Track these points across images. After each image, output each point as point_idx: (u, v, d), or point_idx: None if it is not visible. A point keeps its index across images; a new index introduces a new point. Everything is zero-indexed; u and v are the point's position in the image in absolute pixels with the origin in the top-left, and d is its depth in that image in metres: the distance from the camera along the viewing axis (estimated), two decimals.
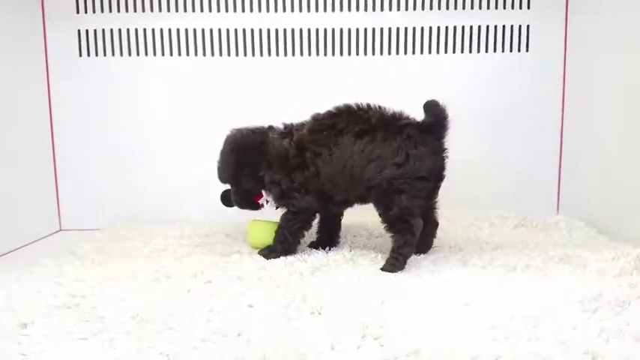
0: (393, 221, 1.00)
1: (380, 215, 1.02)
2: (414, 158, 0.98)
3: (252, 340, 0.67)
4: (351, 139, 1.01)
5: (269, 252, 1.08)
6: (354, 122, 1.03)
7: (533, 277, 0.92)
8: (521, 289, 0.86)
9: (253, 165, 1.09)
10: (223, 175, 1.14)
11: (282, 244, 1.08)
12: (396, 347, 0.65)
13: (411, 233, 0.98)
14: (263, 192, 1.14)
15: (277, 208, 1.12)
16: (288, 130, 1.11)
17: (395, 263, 0.97)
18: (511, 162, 1.49)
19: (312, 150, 1.04)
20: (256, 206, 1.17)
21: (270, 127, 1.13)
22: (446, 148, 1.05)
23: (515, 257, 1.03)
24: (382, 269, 0.98)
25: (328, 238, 1.16)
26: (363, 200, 1.08)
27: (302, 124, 1.10)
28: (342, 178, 1.03)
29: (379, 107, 1.05)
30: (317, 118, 1.08)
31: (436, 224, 1.10)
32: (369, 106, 1.05)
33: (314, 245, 1.15)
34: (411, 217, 0.99)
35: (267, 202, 1.14)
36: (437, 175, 1.03)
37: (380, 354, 0.64)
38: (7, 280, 0.93)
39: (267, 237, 1.12)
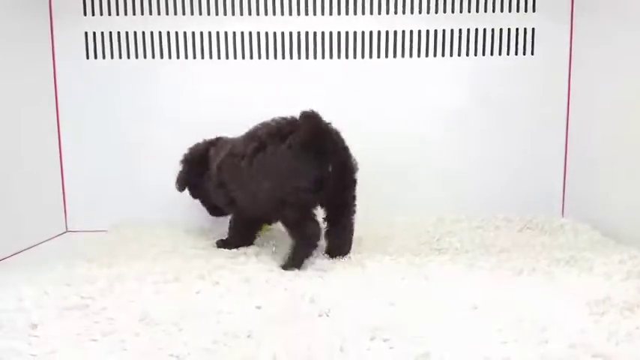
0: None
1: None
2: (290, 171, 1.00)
3: (262, 342, 0.68)
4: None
5: (223, 244, 1.20)
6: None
7: (540, 280, 0.92)
8: (528, 292, 0.86)
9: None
10: (178, 188, 1.30)
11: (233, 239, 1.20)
12: (405, 350, 0.65)
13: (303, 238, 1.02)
14: None
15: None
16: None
17: (288, 262, 1.02)
18: (516, 165, 1.49)
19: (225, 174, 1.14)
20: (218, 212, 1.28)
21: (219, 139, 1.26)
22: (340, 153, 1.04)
23: (521, 260, 1.03)
24: (282, 266, 1.02)
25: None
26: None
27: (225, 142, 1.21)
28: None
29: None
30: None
31: (345, 229, 1.08)
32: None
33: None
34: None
35: None
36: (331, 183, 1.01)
37: (390, 356, 0.64)
38: (16, 282, 0.93)
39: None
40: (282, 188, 1.00)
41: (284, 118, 1.06)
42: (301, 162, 0.99)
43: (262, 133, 1.05)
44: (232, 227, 1.21)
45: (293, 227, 1.03)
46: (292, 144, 0.99)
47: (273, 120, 1.07)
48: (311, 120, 1.00)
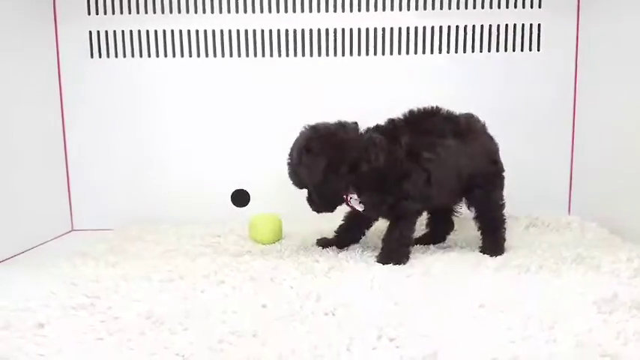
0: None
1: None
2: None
3: (267, 341, 0.67)
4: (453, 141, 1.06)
5: (390, 258, 1.03)
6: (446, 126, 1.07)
7: (548, 278, 0.92)
8: (535, 291, 0.86)
9: (350, 163, 1.01)
10: (315, 177, 1.00)
11: (406, 247, 1.06)
12: (412, 349, 0.64)
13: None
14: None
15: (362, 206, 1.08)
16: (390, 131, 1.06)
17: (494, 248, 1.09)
18: (522, 162, 1.48)
19: (425, 156, 1.03)
20: (336, 206, 1.09)
21: (356, 124, 1.06)
22: None
23: (528, 258, 1.02)
24: (485, 252, 1.09)
25: (435, 235, 1.19)
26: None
27: (393, 125, 1.07)
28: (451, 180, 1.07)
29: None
30: (411, 121, 1.08)
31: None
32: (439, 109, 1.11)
33: (416, 241, 1.16)
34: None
35: (351, 199, 1.07)
36: None
37: (396, 355, 0.63)
38: (23, 281, 0.94)
39: (276, 231, 1.19)
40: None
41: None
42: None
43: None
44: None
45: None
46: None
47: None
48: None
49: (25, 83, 1.27)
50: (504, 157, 1.50)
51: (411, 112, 1.10)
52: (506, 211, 1.42)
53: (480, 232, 1.13)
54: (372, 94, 1.45)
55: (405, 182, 1.02)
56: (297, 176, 1.04)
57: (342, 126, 1.04)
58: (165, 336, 0.70)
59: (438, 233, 1.19)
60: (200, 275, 0.95)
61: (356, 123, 1.06)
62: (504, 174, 1.15)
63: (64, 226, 1.45)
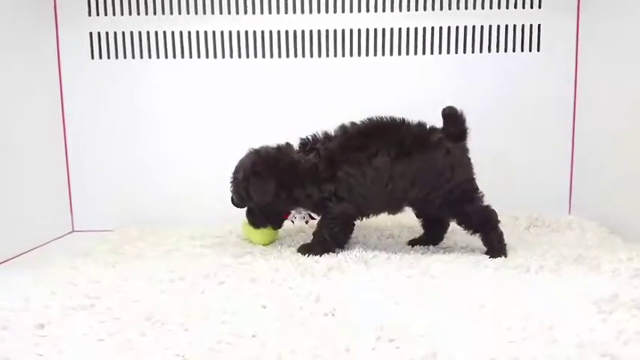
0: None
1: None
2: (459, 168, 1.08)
3: (267, 342, 0.67)
4: (387, 161, 1.06)
5: (305, 250, 1.11)
6: (388, 143, 1.07)
7: (548, 278, 0.91)
8: (535, 290, 0.86)
9: (290, 185, 1.10)
10: (263, 199, 1.10)
11: (320, 244, 1.10)
12: (411, 349, 0.64)
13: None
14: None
15: (307, 221, 1.16)
16: (312, 145, 1.13)
17: (498, 250, 1.07)
18: (522, 162, 1.49)
19: (344, 169, 1.07)
20: (281, 223, 1.21)
21: (288, 145, 1.15)
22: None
23: (528, 258, 1.02)
24: (490, 255, 1.06)
25: (431, 236, 1.19)
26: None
27: (327, 138, 1.12)
28: (379, 197, 1.08)
29: (404, 122, 1.10)
30: (346, 136, 1.10)
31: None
32: (398, 122, 1.10)
33: (414, 242, 1.19)
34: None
35: (295, 217, 1.16)
36: None
37: (396, 356, 0.64)
38: (23, 282, 0.94)
39: (265, 233, 1.18)
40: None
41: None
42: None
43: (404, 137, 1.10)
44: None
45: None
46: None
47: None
48: (457, 117, 1.15)
49: (26, 84, 1.27)
50: (505, 157, 1.50)
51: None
52: (507, 211, 1.43)
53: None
54: (372, 95, 1.45)
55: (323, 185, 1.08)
56: (240, 195, 1.13)
57: (279, 149, 1.13)
58: (165, 336, 0.70)
59: (433, 235, 1.19)
60: (200, 276, 0.95)
61: (289, 144, 1.14)
62: (474, 180, 1.11)
63: (65, 227, 1.45)
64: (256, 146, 1.15)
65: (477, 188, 1.10)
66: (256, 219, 1.17)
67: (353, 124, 1.11)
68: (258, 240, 1.20)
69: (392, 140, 1.07)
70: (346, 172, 1.06)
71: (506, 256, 1.05)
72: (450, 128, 1.10)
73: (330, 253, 1.09)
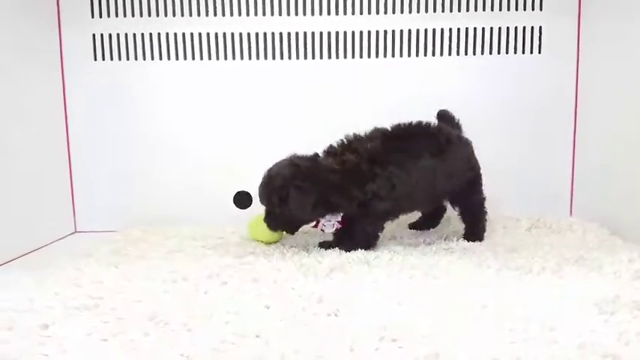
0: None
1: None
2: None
3: (270, 342, 0.68)
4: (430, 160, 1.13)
5: (348, 247, 1.12)
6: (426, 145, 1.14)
7: (549, 280, 0.92)
8: (537, 292, 0.86)
9: (329, 194, 1.10)
10: (302, 214, 1.11)
11: (367, 241, 1.14)
12: (414, 349, 0.65)
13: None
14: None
15: (336, 229, 1.17)
16: (343, 148, 1.14)
17: (479, 234, 1.22)
18: (523, 164, 1.49)
19: (389, 170, 1.10)
20: (299, 228, 1.20)
21: (317, 154, 1.15)
22: None
23: (530, 259, 1.03)
24: (466, 238, 1.21)
25: (430, 220, 1.34)
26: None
27: (359, 140, 1.14)
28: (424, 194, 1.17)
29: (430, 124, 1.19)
30: (386, 138, 1.14)
31: None
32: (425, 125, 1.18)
33: (413, 226, 1.34)
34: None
35: (325, 226, 1.16)
36: None
37: (398, 356, 0.64)
38: (27, 282, 0.94)
39: (275, 233, 1.20)
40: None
41: None
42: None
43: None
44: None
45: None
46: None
47: None
48: (452, 118, 1.29)
49: (28, 85, 1.27)
50: (506, 158, 1.51)
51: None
52: (508, 213, 1.44)
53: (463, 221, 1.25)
54: (374, 96, 1.45)
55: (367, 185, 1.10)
56: (272, 202, 1.11)
57: (315, 160, 1.13)
58: (168, 337, 0.71)
59: (432, 219, 1.34)
60: (203, 276, 0.95)
61: (317, 154, 1.15)
62: (481, 172, 1.24)
63: (68, 228, 1.45)
64: (288, 154, 1.14)
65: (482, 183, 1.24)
66: (278, 224, 1.16)
67: (385, 128, 1.16)
68: (268, 239, 1.21)
69: (430, 141, 1.15)
70: (391, 172, 1.09)
71: (482, 240, 1.20)
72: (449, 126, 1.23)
73: (331, 253, 1.10)
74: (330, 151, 1.15)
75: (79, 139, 1.45)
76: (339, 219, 1.15)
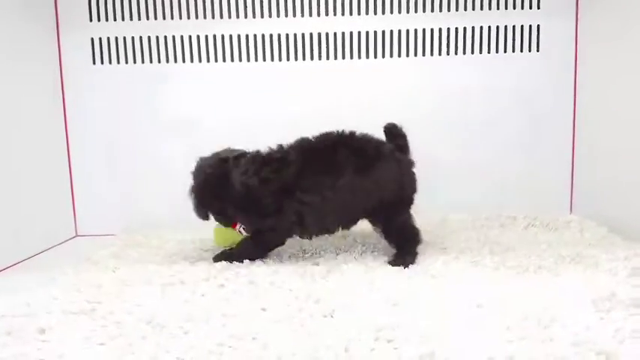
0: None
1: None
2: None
3: (267, 344, 0.68)
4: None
5: (222, 258, 1.08)
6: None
7: (546, 278, 0.92)
8: (533, 290, 0.86)
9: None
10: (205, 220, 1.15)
11: (245, 255, 1.08)
12: (410, 350, 0.65)
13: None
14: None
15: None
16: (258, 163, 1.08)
17: (406, 258, 1.04)
18: (522, 162, 1.49)
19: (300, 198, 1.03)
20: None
21: (243, 154, 1.13)
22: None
23: (526, 258, 1.03)
24: (390, 263, 1.04)
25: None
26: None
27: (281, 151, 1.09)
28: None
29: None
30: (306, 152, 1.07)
31: None
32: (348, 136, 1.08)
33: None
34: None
35: (243, 228, 1.15)
36: None
37: (394, 357, 0.64)
38: (26, 286, 0.95)
39: (235, 236, 1.16)
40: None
41: None
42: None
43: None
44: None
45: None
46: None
47: None
48: (399, 131, 1.13)
49: (28, 90, 1.28)
50: (505, 158, 1.51)
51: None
52: (506, 212, 1.43)
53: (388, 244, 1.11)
54: (370, 97, 1.45)
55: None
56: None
57: (227, 172, 1.09)
58: (166, 340, 0.71)
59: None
60: (200, 279, 0.96)
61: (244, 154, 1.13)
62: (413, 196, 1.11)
63: (68, 231, 1.46)
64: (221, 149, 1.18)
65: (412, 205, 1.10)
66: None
67: (310, 140, 1.09)
68: (232, 240, 1.17)
69: (357, 156, 1.04)
70: (301, 202, 1.03)
71: (406, 267, 1.01)
72: (393, 142, 1.09)
73: (327, 254, 1.10)
74: (256, 159, 1.10)
75: (79, 143, 1.46)
76: None
